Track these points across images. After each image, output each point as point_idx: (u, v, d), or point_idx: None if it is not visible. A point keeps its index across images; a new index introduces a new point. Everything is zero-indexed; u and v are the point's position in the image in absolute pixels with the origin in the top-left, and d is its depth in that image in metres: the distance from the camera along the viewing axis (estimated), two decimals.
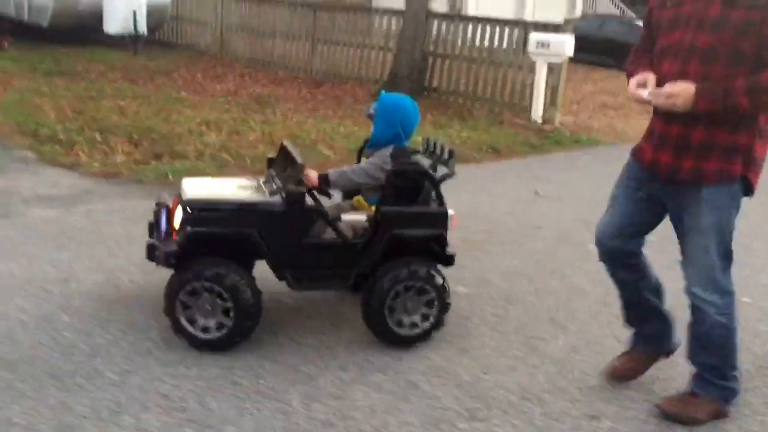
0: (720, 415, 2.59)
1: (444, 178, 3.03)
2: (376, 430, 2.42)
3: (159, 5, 12.16)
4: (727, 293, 2.47)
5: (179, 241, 2.80)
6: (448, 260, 3.05)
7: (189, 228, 2.78)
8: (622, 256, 2.67)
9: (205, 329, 2.78)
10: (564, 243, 4.55)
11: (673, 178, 2.43)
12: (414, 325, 2.98)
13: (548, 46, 8.05)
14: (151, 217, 3.10)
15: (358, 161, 3.29)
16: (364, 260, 2.93)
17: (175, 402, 2.48)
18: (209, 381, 2.63)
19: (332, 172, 3.03)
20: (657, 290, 2.75)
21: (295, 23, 11.43)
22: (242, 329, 2.81)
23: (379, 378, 2.76)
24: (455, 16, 10.42)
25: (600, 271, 2.87)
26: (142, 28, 11.70)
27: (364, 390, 2.67)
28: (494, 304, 3.53)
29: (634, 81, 2.44)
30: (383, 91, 3.29)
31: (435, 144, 3.22)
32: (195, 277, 2.74)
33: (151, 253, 2.93)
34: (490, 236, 4.59)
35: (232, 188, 3.09)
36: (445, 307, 3.02)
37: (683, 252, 2.52)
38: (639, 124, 9.97)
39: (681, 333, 2.74)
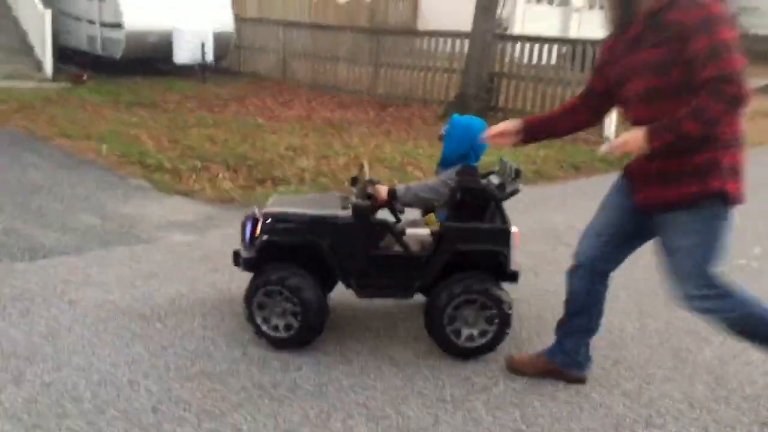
0: None
1: (508, 195, 3.10)
2: None
3: (224, 35, 12.62)
4: (713, 287, 2.54)
5: (256, 248, 3.08)
6: (512, 277, 3.13)
7: (265, 237, 3.05)
8: (594, 265, 2.82)
9: (275, 328, 3.06)
10: None
11: (644, 209, 2.62)
12: (471, 338, 3.10)
13: None
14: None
15: None
16: (426, 273, 3.09)
17: (374, 410, 2.69)
18: (396, 391, 2.84)
19: (399, 188, 3.23)
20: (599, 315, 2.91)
21: (358, 48, 11.77)
22: (309, 328, 3.05)
23: (550, 388, 2.93)
24: (521, 37, 10.62)
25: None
26: (210, 57, 12.16)
27: (540, 399, 2.85)
28: (630, 317, 3.69)
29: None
30: (455, 113, 3.43)
31: (507, 164, 3.28)
32: (264, 281, 3.03)
33: (236, 259, 3.23)
34: None
35: (311, 203, 3.34)
36: (506, 322, 3.09)
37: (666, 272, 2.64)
38: None
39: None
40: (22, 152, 6.65)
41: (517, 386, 2.94)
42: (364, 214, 3.05)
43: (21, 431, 2.44)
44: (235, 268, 3.26)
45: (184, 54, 12.00)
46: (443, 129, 3.34)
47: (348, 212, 3.09)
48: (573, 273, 2.88)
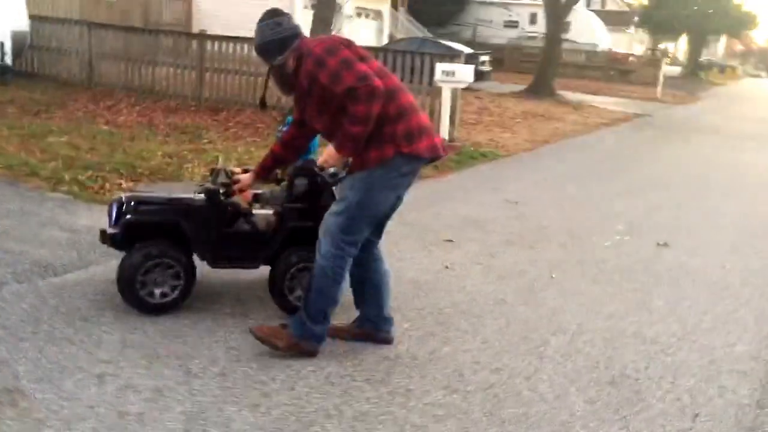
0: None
1: (336, 180, 3.43)
2: None
3: (20, 35, 11.77)
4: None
5: (121, 227, 3.58)
6: None
7: (129, 216, 3.58)
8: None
9: (153, 296, 3.58)
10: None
11: None
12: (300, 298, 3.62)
13: (453, 74, 9.61)
14: None
15: None
16: (269, 247, 3.72)
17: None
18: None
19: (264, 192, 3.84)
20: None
21: (179, 52, 11.82)
22: (188, 291, 3.66)
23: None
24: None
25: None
26: (9, 59, 11.31)
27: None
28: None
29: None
30: (289, 117, 3.97)
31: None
32: (145, 256, 3.52)
33: (103, 236, 3.68)
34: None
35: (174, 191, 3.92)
36: None
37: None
38: (514, 137, 12.01)
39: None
40: None
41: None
42: (214, 197, 3.61)
43: None
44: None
45: None
46: (280, 129, 4.08)
47: (201, 196, 3.65)
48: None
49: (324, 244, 3.23)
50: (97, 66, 12.47)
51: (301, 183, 3.63)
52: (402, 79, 10.47)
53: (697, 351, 3.80)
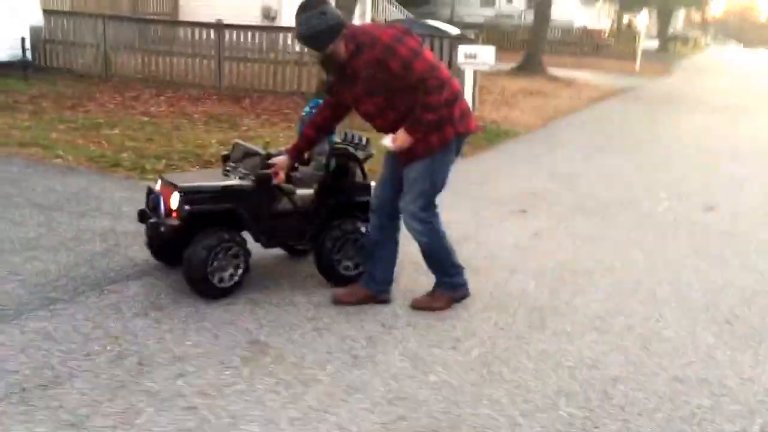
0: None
1: (367, 157, 4.09)
2: None
3: (37, 29, 11.95)
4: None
5: (182, 217, 3.67)
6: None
7: (187, 207, 3.67)
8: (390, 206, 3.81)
9: (223, 281, 3.77)
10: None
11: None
12: (348, 268, 4.06)
13: (475, 56, 10.13)
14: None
15: None
16: (314, 222, 4.00)
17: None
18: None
19: (297, 172, 4.10)
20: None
21: (196, 40, 12.13)
22: (247, 272, 3.87)
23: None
24: None
25: None
26: (29, 54, 11.51)
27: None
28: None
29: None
30: (314, 100, 4.25)
31: (352, 135, 4.27)
32: (218, 242, 3.69)
33: (155, 228, 3.81)
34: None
35: (204, 177, 4.16)
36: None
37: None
38: (522, 114, 12.60)
39: None
40: None
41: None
42: (267, 180, 3.82)
43: None
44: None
45: (2, 52, 11.19)
46: (308, 112, 4.19)
47: (248, 181, 3.84)
48: (371, 212, 3.90)
49: (416, 227, 3.73)
50: (112, 57, 12.71)
51: (339, 162, 4.00)
52: None
53: None
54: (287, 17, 20.40)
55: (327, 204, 4.02)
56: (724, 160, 9.56)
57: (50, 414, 2.67)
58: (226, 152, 4.26)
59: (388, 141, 3.59)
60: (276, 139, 8.46)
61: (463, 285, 3.95)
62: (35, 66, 12.59)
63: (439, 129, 3.58)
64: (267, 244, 4.03)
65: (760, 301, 4.30)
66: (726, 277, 4.71)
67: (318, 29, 3.40)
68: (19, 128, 7.96)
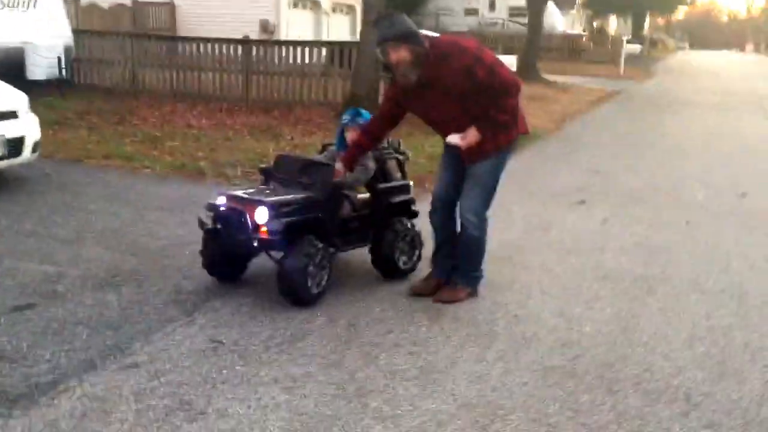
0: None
1: (406, 158, 4.63)
2: None
3: (69, 49, 12.43)
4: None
5: (281, 230, 3.81)
6: (415, 214, 4.57)
7: (284, 219, 3.84)
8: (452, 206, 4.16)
9: (318, 284, 3.98)
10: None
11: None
12: (405, 262, 4.44)
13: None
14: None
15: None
16: (373, 222, 4.34)
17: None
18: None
19: (347, 177, 4.21)
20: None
21: (224, 56, 12.70)
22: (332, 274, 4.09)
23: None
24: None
25: None
26: (65, 72, 11.99)
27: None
28: None
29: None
30: (350, 111, 4.46)
31: (390, 140, 4.61)
32: (311, 251, 3.88)
33: (237, 244, 3.92)
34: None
35: (263, 192, 4.12)
36: (421, 245, 4.53)
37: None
38: (535, 118, 13.34)
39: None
40: (107, 192, 6.88)
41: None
42: (343, 189, 4.19)
43: None
44: None
45: (39, 70, 11.65)
46: (346, 122, 4.37)
47: (317, 192, 4.05)
48: (433, 213, 4.23)
49: (473, 221, 4.03)
50: (139, 74, 13.21)
51: (388, 164, 4.46)
52: None
53: None
54: (284, 31, 21.14)
55: (384, 205, 4.37)
56: (735, 153, 10.42)
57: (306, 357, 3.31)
58: (263, 165, 4.57)
59: (456, 139, 3.85)
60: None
61: (479, 283, 4.26)
62: (69, 84, 13.08)
63: (507, 130, 3.94)
64: (341, 248, 4.26)
65: None
66: None
67: (410, 29, 3.72)
68: (91, 142, 8.50)
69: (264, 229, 3.83)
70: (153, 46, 13.20)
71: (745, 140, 11.80)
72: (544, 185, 7.55)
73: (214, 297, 4.05)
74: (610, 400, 3.08)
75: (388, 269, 4.42)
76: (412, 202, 4.55)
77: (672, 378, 3.31)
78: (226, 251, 4.12)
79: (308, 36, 21.22)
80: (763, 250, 5.45)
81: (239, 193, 4.07)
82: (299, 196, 4.02)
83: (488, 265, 4.29)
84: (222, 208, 3.99)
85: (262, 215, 3.82)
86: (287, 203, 3.94)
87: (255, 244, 3.86)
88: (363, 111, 4.43)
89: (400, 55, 3.72)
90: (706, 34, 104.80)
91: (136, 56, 13.13)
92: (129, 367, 3.18)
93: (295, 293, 3.91)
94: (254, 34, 17.76)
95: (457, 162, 4.06)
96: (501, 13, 34.05)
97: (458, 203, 4.12)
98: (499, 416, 2.92)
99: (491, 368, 3.34)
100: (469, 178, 4.03)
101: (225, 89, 12.81)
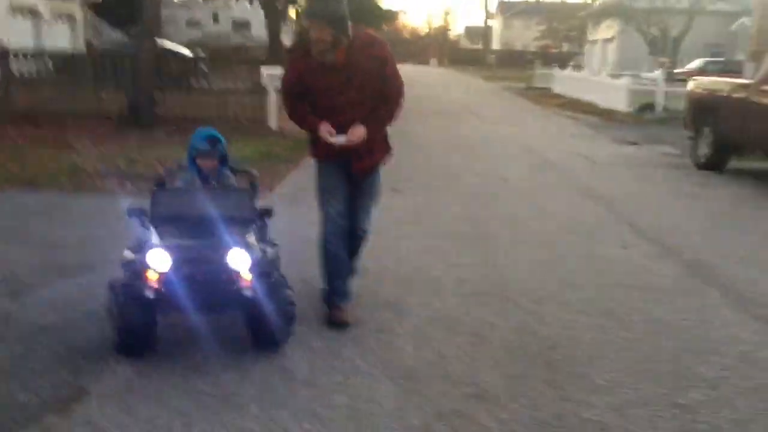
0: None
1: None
2: None
3: None
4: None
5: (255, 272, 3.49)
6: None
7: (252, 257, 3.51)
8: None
9: None
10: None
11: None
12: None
13: (279, 77, 11.95)
14: None
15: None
16: None
17: None
18: None
19: None
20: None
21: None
22: None
23: None
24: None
25: None
26: None
27: None
28: None
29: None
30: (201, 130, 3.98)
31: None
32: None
33: (231, 298, 3.42)
34: None
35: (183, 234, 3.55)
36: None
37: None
38: None
39: None
40: None
41: None
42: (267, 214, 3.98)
43: None
44: None
45: None
46: (201, 146, 3.87)
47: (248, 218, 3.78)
48: (333, 240, 4.13)
49: (369, 230, 4.27)
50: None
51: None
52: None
53: None
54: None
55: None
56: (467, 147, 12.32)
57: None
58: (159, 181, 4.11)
59: (342, 139, 3.81)
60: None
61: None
62: None
63: (386, 140, 4.14)
64: None
65: None
66: None
67: (344, 14, 3.70)
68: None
69: (248, 276, 3.35)
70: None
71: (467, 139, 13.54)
72: None
73: None
74: None
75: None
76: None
77: None
78: (154, 322, 3.48)
79: (29, 45, 19.94)
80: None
81: (181, 244, 3.38)
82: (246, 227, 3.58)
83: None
84: (176, 266, 3.28)
85: (242, 259, 3.33)
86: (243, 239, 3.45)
87: (248, 294, 3.35)
88: (218, 134, 3.96)
89: (322, 35, 3.69)
90: (393, 49, 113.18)
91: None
92: None
93: (290, 322, 3.67)
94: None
95: (347, 178, 4.07)
96: (226, 26, 34.46)
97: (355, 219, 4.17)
98: None
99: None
100: (365, 195, 4.14)
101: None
